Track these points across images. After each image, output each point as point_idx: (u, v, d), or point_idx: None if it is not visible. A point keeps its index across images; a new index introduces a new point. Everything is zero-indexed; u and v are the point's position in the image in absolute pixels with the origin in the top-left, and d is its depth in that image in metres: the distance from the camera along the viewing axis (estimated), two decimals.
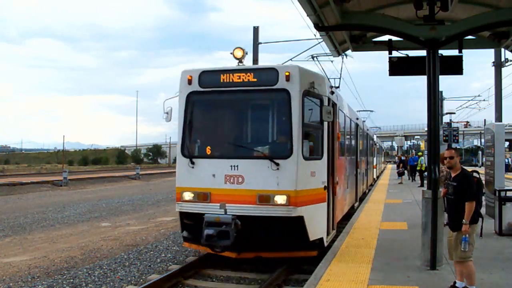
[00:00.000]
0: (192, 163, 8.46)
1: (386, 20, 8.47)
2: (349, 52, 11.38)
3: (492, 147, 12.97)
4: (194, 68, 8.88)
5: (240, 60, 8.82)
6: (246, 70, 8.45)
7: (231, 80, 8.43)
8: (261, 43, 20.82)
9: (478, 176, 6.48)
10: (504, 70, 23.07)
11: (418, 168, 27.61)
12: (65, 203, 22.68)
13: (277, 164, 7.88)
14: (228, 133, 9.34)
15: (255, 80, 8.33)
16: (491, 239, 9.83)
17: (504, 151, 13.78)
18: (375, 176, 30.94)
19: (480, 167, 43.87)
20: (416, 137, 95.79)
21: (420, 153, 36.18)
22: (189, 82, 8.71)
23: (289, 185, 7.86)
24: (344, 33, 9.65)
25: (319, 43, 11.43)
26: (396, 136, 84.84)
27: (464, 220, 6.00)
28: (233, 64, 8.97)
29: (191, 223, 8.57)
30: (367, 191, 22.12)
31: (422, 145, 70.32)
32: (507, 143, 50.68)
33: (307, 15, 8.11)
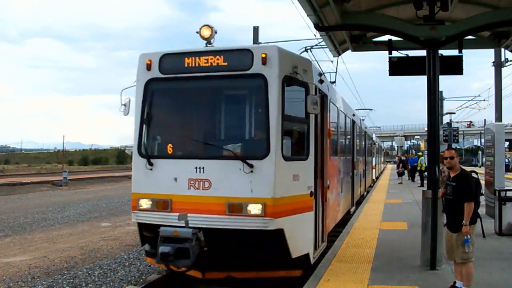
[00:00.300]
0: (150, 164, 7.14)
1: (386, 20, 8.48)
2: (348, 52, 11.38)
3: (492, 147, 12.97)
4: (155, 51, 7.56)
5: (208, 40, 7.36)
6: (215, 52, 7.08)
7: (197, 65, 7.08)
8: (261, 43, 20.84)
9: (476, 176, 6.48)
10: (504, 70, 23.13)
11: (418, 168, 27.63)
12: (65, 203, 22.68)
13: (251, 166, 6.57)
14: (193, 129, 7.93)
15: (225, 64, 6.98)
16: (491, 239, 9.82)
17: (504, 151, 13.79)
18: (374, 177, 30.14)
19: (480, 167, 43.88)
20: (416, 137, 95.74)
21: (420, 153, 36.18)
22: (148, 67, 7.36)
23: (265, 191, 6.54)
24: (344, 33, 9.65)
25: (319, 43, 11.43)
26: (396, 136, 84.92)
27: (464, 221, 5.99)
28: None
29: (153, 236, 7.00)
30: (365, 193, 20.96)
31: (422, 145, 70.31)
32: (507, 143, 50.69)
33: (307, 15, 8.11)
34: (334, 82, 13.64)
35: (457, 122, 45.34)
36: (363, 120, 23.99)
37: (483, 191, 9.32)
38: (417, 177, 28.39)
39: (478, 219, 6.28)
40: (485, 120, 54.94)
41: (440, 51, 8.06)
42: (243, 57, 6.95)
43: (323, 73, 8.78)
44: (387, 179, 34.29)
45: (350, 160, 13.81)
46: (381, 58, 11.14)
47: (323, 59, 40.38)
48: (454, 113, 33.94)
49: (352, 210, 14.32)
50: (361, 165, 18.30)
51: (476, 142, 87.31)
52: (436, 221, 7.36)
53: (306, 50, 12.42)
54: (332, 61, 13.86)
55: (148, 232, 7.20)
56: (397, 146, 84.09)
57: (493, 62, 22.52)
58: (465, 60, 8.64)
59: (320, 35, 9.60)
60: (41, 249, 11.77)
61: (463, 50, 8.50)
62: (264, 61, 6.76)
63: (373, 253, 8.58)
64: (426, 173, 11.73)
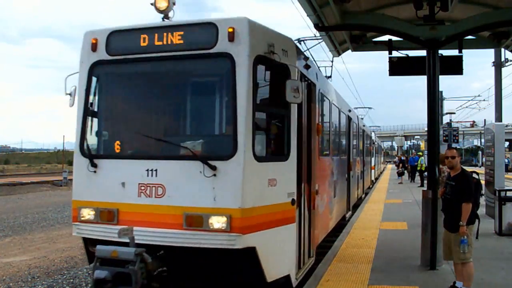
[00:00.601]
0: (94, 165, 5.90)
1: (386, 20, 8.48)
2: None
3: (492, 147, 12.99)
4: (103, 28, 6.32)
5: (165, 14, 6.02)
6: (171, 28, 5.78)
7: (149, 43, 5.80)
8: None
9: (477, 177, 6.48)
10: (504, 70, 23.17)
11: (418, 168, 27.65)
12: (65, 203, 22.65)
13: (214, 168, 5.28)
14: (145, 122, 6.53)
15: (182, 42, 5.65)
16: (491, 239, 9.83)
17: (504, 151, 13.81)
18: (373, 178, 29.30)
19: (480, 167, 43.89)
20: (416, 137, 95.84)
21: (420, 153, 36.19)
22: (94, 47, 6.10)
23: (231, 200, 5.27)
24: (344, 33, 9.66)
25: (319, 43, 11.42)
26: (396, 136, 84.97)
27: (461, 222, 5.98)
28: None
29: None
30: (363, 195, 19.78)
31: (422, 145, 70.38)
32: (507, 143, 50.72)
33: (307, 15, 8.12)
34: (330, 77, 13.08)
35: (459, 122, 45.38)
36: (362, 118, 23.73)
37: (483, 191, 9.32)
38: (417, 177, 28.41)
39: (477, 220, 6.27)
40: (485, 120, 54.96)
41: (440, 51, 8.07)
42: (206, 33, 5.60)
43: (307, 57, 7.50)
44: (387, 179, 34.30)
45: (345, 161, 12.59)
46: (381, 58, 11.04)
47: (323, 59, 40.37)
48: (454, 113, 33.93)
49: (348, 215, 13.15)
50: (358, 165, 16.95)
51: (476, 142, 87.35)
52: (436, 221, 7.36)
53: (299, 42, 11.35)
54: (332, 61, 13.38)
55: (95, 247, 5.69)
56: (397, 146, 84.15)
57: (493, 62, 22.54)
58: (465, 60, 8.66)
59: (320, 35, 9.61)
60: (41, 249, 11.77)
61: (463, 50, 8.51)
62: (231, 37, 5.39)
63: (373, 253, 8.58)
64: (426, 173, 11.74)
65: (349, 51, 10.91)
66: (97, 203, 5.86)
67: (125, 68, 6.24)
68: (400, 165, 31.40)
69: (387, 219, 13.02)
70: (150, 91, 6.45)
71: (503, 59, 21.97)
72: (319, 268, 7.54)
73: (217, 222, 5.27)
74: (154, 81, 6.33)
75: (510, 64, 22.29)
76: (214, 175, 5.31)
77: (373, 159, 28.61)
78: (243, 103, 5.37)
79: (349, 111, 14.15)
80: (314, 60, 11.64)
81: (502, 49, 15.28)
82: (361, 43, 10.19)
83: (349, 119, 13.72)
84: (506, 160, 31.51)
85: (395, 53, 8.86)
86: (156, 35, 5.77)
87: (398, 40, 8.97)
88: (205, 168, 5.33)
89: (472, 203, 6.05)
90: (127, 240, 5.32)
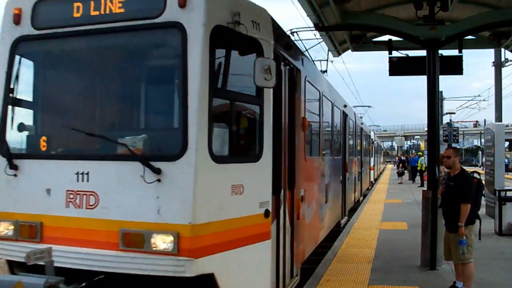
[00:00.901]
0: (14, 167, 4.63)
1: (386, 20, 8.49)
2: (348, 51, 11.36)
3: (492, 147, 13.01)
4: None
5: None
6: None
7: (83, 13, 4.60)
8: None
9: (478, 177, 6.47)
10: (504, 70, 23.22)
11: (418, 168, 27.68)
12: None
13: (158, 171, 4.05)
14: (77, 113, 5.19)
15: (123, 10, 4.47)
16: (491, 239, 9.83)
17: (504, 151, 13.84)
18: (372, 179, 28.13)
19: (480, 167, 43.91)
20: (416, 137, 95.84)
21: (420, 153, 36.23)
22: (17, 19, 4.86)
23: (179, 213, 4.01)
24: (344, 33, 9.66)
25: (319, 43, 11.42)
26: (396, 136, 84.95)
27: (459, 223, 5.96)
28: None
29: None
30: (361, 198, 18.42)
31: (422, 145, 70.38)
32: (507, 143, 50.73)
33: (307, 15, 8.12)
34: (326, 71, 12.74)
35: (463, 121, 45.35)
36: (361, 117, 23.16)
37: (484, 191, 9.33)
38: (418, 177, 28.43)
39: (478, 220, 6.27)
40: (485, 120, 55.00)
41: (440, 51, 8.07)
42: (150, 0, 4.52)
43: (280, 33, 5.82)
44: (387, 179, 34.32)
45: (339, 161, 11.44)
46: (381, 58, 10.97)
47: (322, 58, 40.24)
48: (454, 113, 33.91)
49: (343, 221, 11.93)
50: (355, 166, 15.62)
51: (476, 142, 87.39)
52: (436, 221, 7.36)
53: (292, 34, 10.41)
54: (332, 61, 13.14)
55: (23, 270, 4.32)
56: (397, 146, 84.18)
57: (493, 62, 22.57)
58: (465, 60, 8.66)
59: (320, 35, 9.61)
60: None
61: (463, 50, 8.51)
62: (181, 1, 4.22)
63: (373, 253, 8.58)
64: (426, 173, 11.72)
65: (349, 51, 10.92)
66: (17, 215, 4.59)
67: (54, 45, 4.95)
68: (400, 165, 31.41)
69: (387, 219, 13.02)
70: (83, 73, 5.18)
71: (503, 59, 22.01)
72: (319, 268, 7.53)
73: (162, 242, 4.02)
74: (88, 61, 5.06)
75: (510, 64, 22.33)
76: (159, 180, 4.06)
77: (372, 159, 27.45)
78: (196, 86, 4.10)
79: (345, 106, 12.73)
80: (313, 61, 11.21)
81: (502, 49, 15.29)
82: (361, 43, 10.20)
83: (344, 115, 12.56)
84: (506, 160, 31.52)
85: (395, 53, 8.87)
86: (92, 3, 4.55)
87: (398, 40, 8.97)
88: (146, 171, 4.06)
89: (471, 204, 6.02)
90: (62, 264, 4.17)
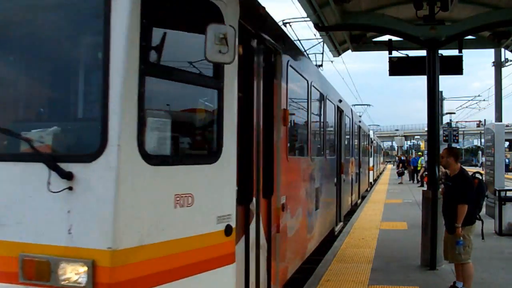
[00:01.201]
0: None
1: (386, 20, 8.48)
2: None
3: (492, 147, 13.01)
4: None
5: None
6: None
7: None
8: None
9: (480, 178, 6.45)
10: (504, 70, 23.23)
11: (418, 168, 27.72)
12: None
13: (68, 177, 2.93)
14: None
15: None
16: (491, 239, 9.83)
17: (504, 151, 13.84)
18: (371, 180, 27.07)
19: (480, 167, 43.92)
20: (416, 137, 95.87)
21: (420, 153, 36.24)
22: None
23: (96, 234, 2.90)
24: (344, 33, 9.66)
25: (319, 43, 11.43)
26: (396, 136, 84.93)
27: (456, 223, 5.94)
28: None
29: None
30: (359, 200, 17.27)
31: (422, 145, 70.38)
32: (507, 143, 50.73)
33: (307, 16, 8.12)
34: (321, 65, 12.30)
35: (465, 121, 45.26)
36: (360, 116, 22.90)
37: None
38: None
39: (479, 221, 6.25)
40: (485, 120, 55.03)
41: (440, 51, 8.08)
42: None
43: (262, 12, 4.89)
44: (387, 179, 34.29)
45: (334, 162, 10.41)
46: (381, 58, 10.94)
47: (324, 60, 40.08)
48: (454, 113, 33.93)
49: (337, 228, 10.81)
50: (352, 167, 14.43)
51: (476, 142, 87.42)
52: (436, 221, 7.36)
53: (284, 25, 9.34)
54: (332, 61, 13.04)
55: None
56: (397, 146, 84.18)
57: (493, 62, 22.58)
58: (465, 60, 8.65)
59: (320, 35, 9.61)
60: None
61: (463, 50, 8.52)
62: None
63: (373, 253, 8.57)
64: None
65: (349, 51, 10.92)
66: None
67: None
68: (400, 165, 31.43)
69: (387, 219, 13.01)
70: None
71: (503, 59, 22.04)
72: (319, 268, 7.53)
73: (73, 273, 2.92)
74: None
75: (510, 64, 22.36)
76: (70, 188, 2.92)
77: (371, 159, 26.36)
78: (120, 59, 2.91)
79: (340, 101, 11.48)
80: (308, 55, 10.14)
81: (502, 49, 15.30)
82: (361, 43, 10.19)
83: (339, 111, 11.35)
84: (506, 160, 31.53)
85: (395, 53, 8.87)
86: None
87: (398, 40, 8.97)
88: (52, 176, 2.95)
89: (470, 205, 5.96)
90: None
